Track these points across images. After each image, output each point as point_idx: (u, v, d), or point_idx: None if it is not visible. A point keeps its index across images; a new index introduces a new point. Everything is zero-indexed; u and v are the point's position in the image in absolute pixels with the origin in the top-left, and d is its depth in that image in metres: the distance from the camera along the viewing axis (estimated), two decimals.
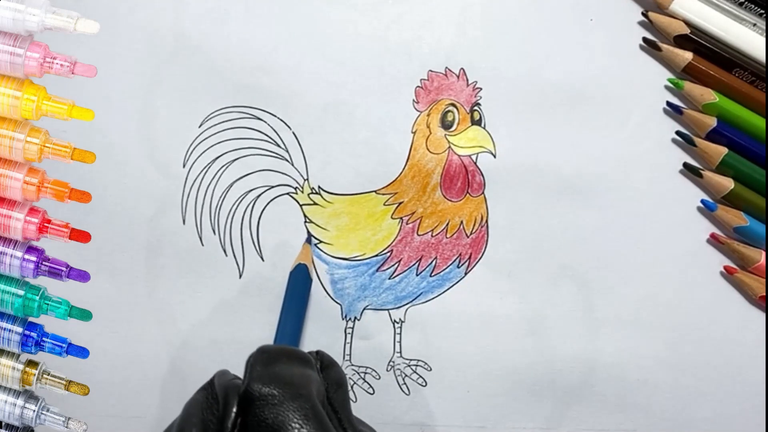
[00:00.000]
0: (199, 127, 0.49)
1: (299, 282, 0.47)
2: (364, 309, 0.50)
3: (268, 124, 0.49)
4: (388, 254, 0.49)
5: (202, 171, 0.49)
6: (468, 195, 0.49)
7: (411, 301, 0.50)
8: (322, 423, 0.32)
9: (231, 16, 0.49)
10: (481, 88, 0.49)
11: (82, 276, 0.47)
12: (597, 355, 0.49)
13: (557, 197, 0.49)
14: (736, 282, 0.49)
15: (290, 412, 0.32)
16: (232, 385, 0.34)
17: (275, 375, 0.34)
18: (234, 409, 0.33)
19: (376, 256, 0.49)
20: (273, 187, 0.50)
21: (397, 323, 0.50)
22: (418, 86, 0.49)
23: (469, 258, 0.49)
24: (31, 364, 0.47)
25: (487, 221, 0.49)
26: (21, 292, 0.46)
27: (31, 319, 0.48)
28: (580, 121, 0.49)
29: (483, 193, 0.49)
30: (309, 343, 0.49)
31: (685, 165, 0.49)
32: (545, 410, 0.49)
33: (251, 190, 0.50)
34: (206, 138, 0.49)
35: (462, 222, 0.49)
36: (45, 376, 0.48)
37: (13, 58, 0.43)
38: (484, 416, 0.49)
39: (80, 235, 0.47)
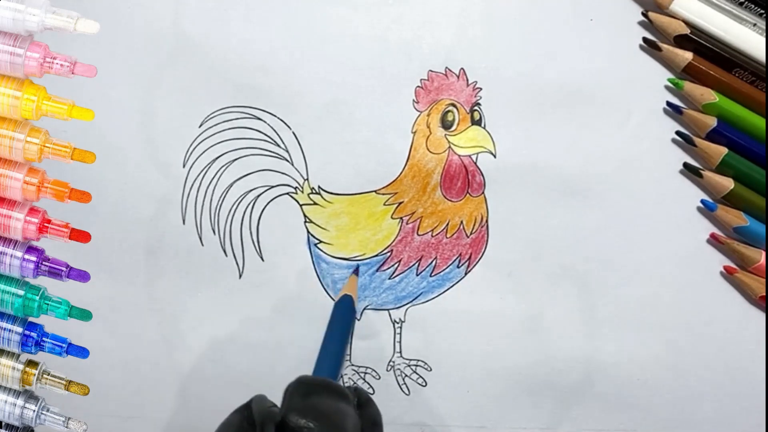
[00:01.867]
0: (199, 127, 0.49)
1: (344, 313, 0.47)
2: (364, 309, 0.50)
3: (268, 124, 0.49)
4: (388, 254, 0.49)
5: (202, 171, 0.49)
6: (468, 195, 0.49)
7: (411, 301, 0.50)
8: None
9: (231, 16, 0.49)
10: (481, 88, 0.49)
11: (82, 276, 0.47)
12: (597, 355, 0.49)
13: (557, 197, 0.49)
14: (736, 282, 0.49)
15: None
16: (269, 413, 0.35)
17: (312, 407, 0.34)
18: None
19: (376, 256, 0.49)
20: (273, 187, 0.50)
21: (397, 323, 0.50)
22: (418, 86, 0.49)
23: (469, 258, 0.49)
24: (31, 364, 0.47)
25: (487, 221, 0.49)
26: (21, 292, 0.46)
27: (31, 319, 0.47)
28: (580, 121, 0.49)
29: (483, 193, 0.49)
30: (309, 344, 0.49)
31: (685, 165, 0.49)
32: (545, 410, 0.49)
33: (251, 190, 0.49)
34: (206, 138, 0.49)
35: (462, 222, 0.49)
36: (45, 376, 0.47)
37: (13, 58, 0.43)
38: (484, 416, 0.49)
39: (80, 235, 0.47)
